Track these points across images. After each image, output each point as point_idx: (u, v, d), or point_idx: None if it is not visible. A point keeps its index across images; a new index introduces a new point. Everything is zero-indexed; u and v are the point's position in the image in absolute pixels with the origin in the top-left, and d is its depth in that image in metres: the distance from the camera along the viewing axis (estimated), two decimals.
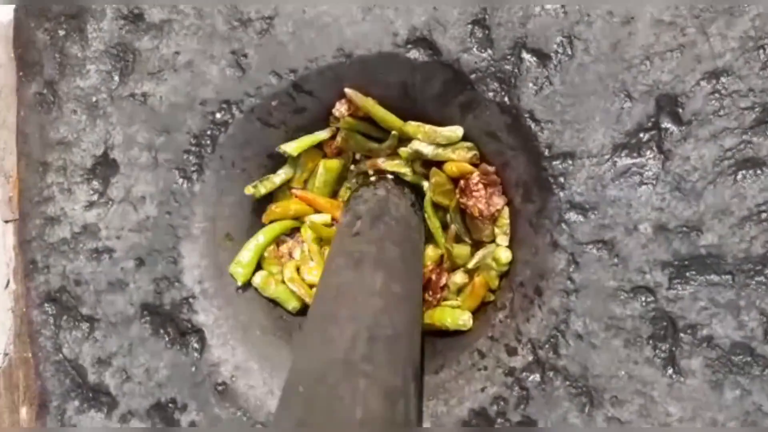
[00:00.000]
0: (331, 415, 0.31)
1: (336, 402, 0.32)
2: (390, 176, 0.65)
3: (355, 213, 0.56)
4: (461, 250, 0.63)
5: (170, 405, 0.65)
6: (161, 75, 0.65)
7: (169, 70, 0.64)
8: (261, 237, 0.68)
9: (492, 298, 0.63)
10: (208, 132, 0.64)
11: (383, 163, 0.65)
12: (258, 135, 0.64)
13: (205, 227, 0.65)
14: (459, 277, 0.64)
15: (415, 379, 0.38)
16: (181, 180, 0.65)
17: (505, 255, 0.59)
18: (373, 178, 0.64)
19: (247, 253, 0.67)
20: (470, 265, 0.63)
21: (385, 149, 0.65)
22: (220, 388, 0.63)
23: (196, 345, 0.65)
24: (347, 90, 0.60)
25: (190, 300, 0.65)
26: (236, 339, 0.65)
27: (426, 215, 0.64)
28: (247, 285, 0.68)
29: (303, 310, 0.70)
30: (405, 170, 0.65)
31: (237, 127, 0.63)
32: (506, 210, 0.60)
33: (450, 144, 0.60)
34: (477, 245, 0.64)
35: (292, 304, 0.69)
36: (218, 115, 0.63)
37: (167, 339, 0.65)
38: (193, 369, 0.64)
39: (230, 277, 0.67)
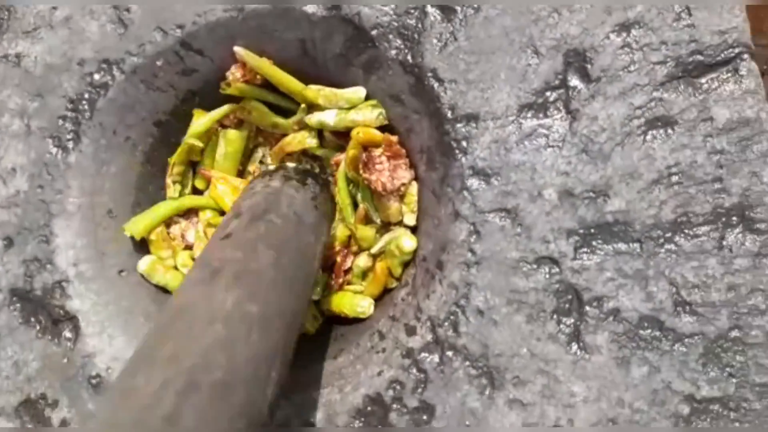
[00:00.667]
0: None
1: None
2: (291, 164, 0.60)
3: (236, 210, 0.49)
4: (366, 232, 0.59)
5: (41, 401, 0.60)
6: (37, 33, 0.60)
7: (46, 28, 0.60)
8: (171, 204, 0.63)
9: (395, 285, 0.59)
10: (86, 95, 0.59)
11: (288, 144, 0.61)
12: (142, 99, 0.60)
13: (81, 203, 0.60)
14: (363, 261, 0.60)
15: None
16: (55, 150, 0.59)
17: (408, 244, 0.56)
18: (271, 167, 0.59)
19: (151, 214, 0.62)
20: (373, 251, 0.59)
21: (291, 125, 0.61)
22: (94, 381, 0.58)
23: (69, 334, 0.59)
24: (237, 49, 0.56)
25: (64, 284, 0.59)
26: (115, 327, 0.60)
27: (338, 189, 0.60)
28: (133, 270, 0.63)
29: None
30: (313, 144, 0.61)
31: (118, 90, 0.59)
32: (414, 186, 0.56)
33: (353, 107, 0.56)
34: (386, 227, 0.60)
35: None
36: (97, 77, 0.58)
37: (38, 328, 0.60)
38: (66, 361, 0.59)
39: (111, 257, 0.61)
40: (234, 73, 0.59)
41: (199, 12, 0.56)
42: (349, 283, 0.61)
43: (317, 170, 0.63)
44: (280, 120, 0.62)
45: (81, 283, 0.60)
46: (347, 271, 0.61)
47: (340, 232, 0.62)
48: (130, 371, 0.32)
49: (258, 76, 0.59)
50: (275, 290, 0.40)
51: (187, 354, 0.31)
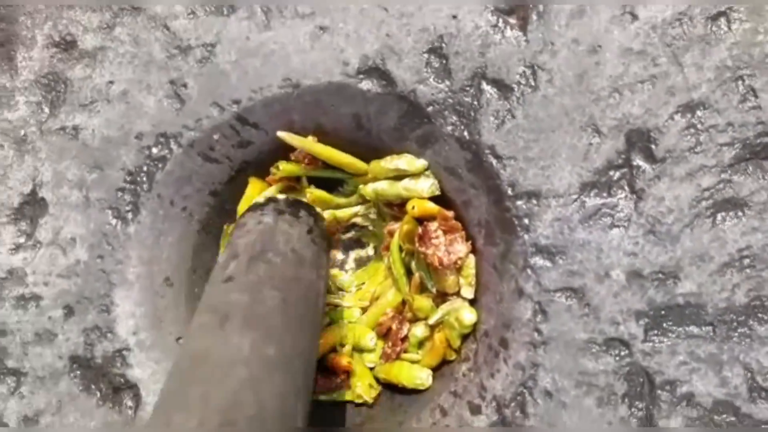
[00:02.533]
0: None
1: None
2: (281, 196, 0.56)
3: (232, 250, 0.46)
4: (422, 302, 0.58)
5: None
6: (94, 106, 0.60)
7: (103, 102, 0.60)
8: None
9: (453, 356, 0.58)
10: (144, 168, 0.58)
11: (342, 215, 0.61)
12: (199, 171, 0.59)
13: (140, 272, 0.60)
14: (420, 330, 0.59)
15: None
16: (114, 221, 0.59)
17: (468, 317, 0.54)
18: (260, 200, 0.54)
19: None
20: (431, 322, 0.58)
21: (352, 203, 0.62)
22: None
23: (130, 403, 0.59)
24: (280, 133, 0.56)
25: (124, 352, 0.59)
26: None
27: (392, 260, 0.59)
28: None
29: None
30: (368, 222, 0.61)
31: (176, 162, 0.58)
32: (472, 259, 0.55)
33: (407, 176, 0.56)
34: (442, 296, 0.59)
35: None
36: (155, 150, 0.58)
37: (99, 395, 0.59)
38: (127, 429, 0.58)
39: (169, 324, 0.61)
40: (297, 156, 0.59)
41: (254, 88, 0.56)
42: (405, 351, 0.61)
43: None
44: (341, 200, 0.62)
45: (141, 352, 0.60)
46: (403, 340, 0.61)
47: (393, 296, 0.62)
48: (162, 414, 0.32)
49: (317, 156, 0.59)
50: (287, 332, 0.40)
51: (217, 395, 0.32)
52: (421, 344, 0.60)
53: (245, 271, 0.43)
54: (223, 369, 0.34)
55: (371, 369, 0.61)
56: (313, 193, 0.60)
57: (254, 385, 0.33)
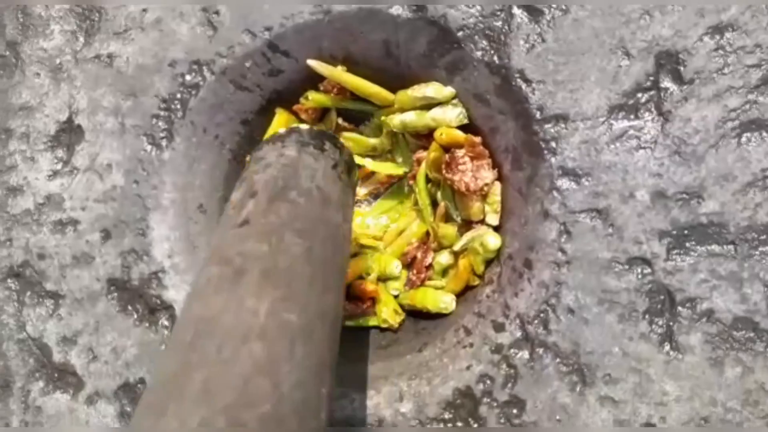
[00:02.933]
0: None
1: None
2: (304, 126, 0.50)
3: (248, 187, 0.40)
4: (447, 230, 0.60)
5: (139, 386, 0.62)
6: (128, 35, 0.61)
7: (137, 29, 0.61)
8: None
9: (477, 282, 0.60)
10: (178, 95, 0.60)
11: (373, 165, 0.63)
12: (231, 99, 0.61)
13: (175, 198, 0.62)
14: (445, 258, 0.61)
15: None
16: (149, 147, 0.61)
17: (492, 242, 0.56)
18: (281, 130, 0.49)
19: None
20: (456, 248, 0.60)
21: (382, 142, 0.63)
22: None
23: (166, 322, 0.62)
24: (310, 61, 0.57)
25: (160, 275, 0.62)
26: None
27: (417, 190, 0.61)
28: None
29: None
30: (399, 170, 0.62)
31: (208, 90, 0.60)
32: (497, 186, 0.57)
33: (435, 104, 0.57)
34: (467, 225, 0.60)
35: None
36: (188, 77, 0.60)
37: (136, 316, 0.62)
38: (163, 347, 0.61)
39: (203, 250, 0.63)
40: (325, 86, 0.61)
41: (286, 14, 0.57)
42: (429, 279, 0.63)
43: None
44: (374, 141, 0.64)
45: (176, 274, 0.62)
46: (428, 267, 0.63)
47: (418, 227, 0.64)
48: (154, 407, 0.26)
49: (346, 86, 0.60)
50: (312, 289, 0.33)
51: (224, 385, 0.26)
52: (445, 272, 0.62)
53: (264, 213, 0.37)
54: (233, 345, 0.27)
55: (396, 297, 0.63)
56: (347, 138, 0.62)
57: (270, 369, 0.27)
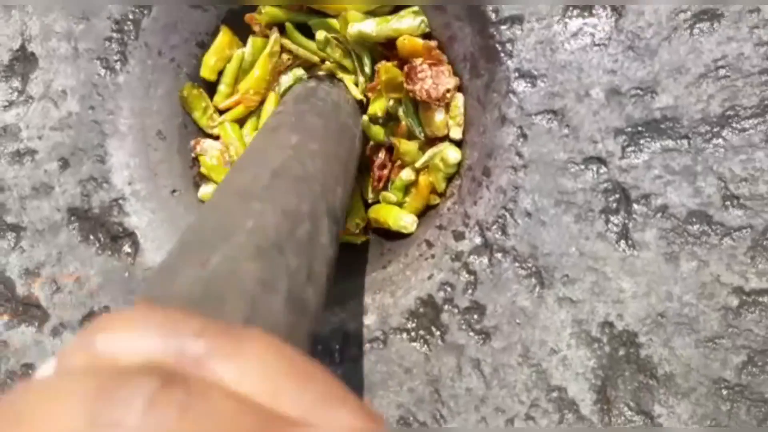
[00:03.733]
0: (216, 230, 0.29)
1: (224, 219, 0.31)
2: (322, 73, 0.63)
3: (281, 102, 0.56)
4: (409, 146, 0.61)
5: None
6: None
7: None
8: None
9: (437, 201, 0.61)
10: (130, 16, 0.60)
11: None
12: (184, 18, 0.61)
13: (132, 123, 0.63)
14: (406, 174, 0.62)
15: (330, 216, 0.38)
16: (103, 71, 0.62)
17: (452, 155, 0.57)
18: (305, 77, 0.63)
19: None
20: (417, 165, 0.61)
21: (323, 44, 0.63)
22: None
23: (128, 249, 0.63)
24: None
25: (121, 202, 0.63)
26: (173, 243, 0.63)
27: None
28: (185, 190, 0.66)
29: None
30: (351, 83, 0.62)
31: (160, 9, 0.61)
32: (460, 98, 0.58)
33: (394, 12, 0.57)
34: (431, 142, 0.61)
35: None
36: None
37: (98, 245, 0.63)
38: (127, 275, 0.63)
39: (164, 177, 0.64)
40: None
41: None
42: (388, 180, 0.63)
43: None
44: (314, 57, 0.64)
45: (137, 201, 0.63)
46: (383, 167, 0.63)
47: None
48: (227, 177, 0.39)
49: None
50: (328, 141, 0.47)
51: (269, 161, 0.38)
52: (407, 190, 0.62)
53: (291, 106, 0.52)
54: (273, 150, 0.41)
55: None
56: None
57: (299, 160, 0.40)
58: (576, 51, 0.49)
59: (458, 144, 0.59)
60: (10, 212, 0.65)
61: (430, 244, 0.56)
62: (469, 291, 0.52)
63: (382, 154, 0.62)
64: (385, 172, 0.63)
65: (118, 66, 0.62)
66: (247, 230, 0.29)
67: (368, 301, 0.56)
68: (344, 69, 0.62)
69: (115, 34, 0.61)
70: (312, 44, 0.62)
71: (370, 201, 0.65)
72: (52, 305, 0.65)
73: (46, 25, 0.63)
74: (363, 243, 0.64)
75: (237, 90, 0.66)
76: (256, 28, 0.62)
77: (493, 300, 0.51)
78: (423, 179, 0.61)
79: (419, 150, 0.61)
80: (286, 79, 0.64)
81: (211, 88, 0.67)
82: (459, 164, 0.58)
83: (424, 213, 0.62)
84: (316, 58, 0.63)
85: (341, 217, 0.43)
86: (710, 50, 0.47)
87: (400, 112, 0.61)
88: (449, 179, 0.60)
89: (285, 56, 0.64)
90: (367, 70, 0.61)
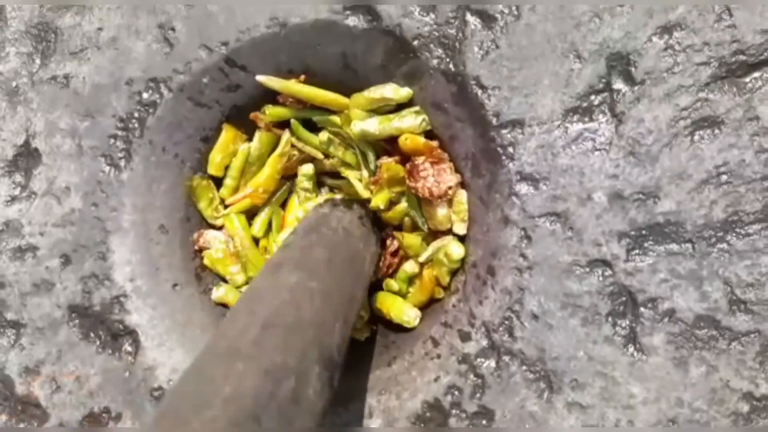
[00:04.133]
0: (193, 398, 0.30)
1: (204, 383, 0.31)
2: (338, 196, 0.65)
3: (292, 230, 0.57)
4: (412, 240, 0.61)
5: (104, 414, 0.63)
6: (84, 54, 0.63)
7: (93, 48, 0.63)
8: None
9: (442, 295, 0.61)
10: (136, 114, 0.62)
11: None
12: (189, 116, 0.63)
13: (135, 219, 0.64)
14: (410, 267, 0.62)
15: (322, 363, 0.39)
16: (107, 168, 0.63)
17: (456, 251, 0.58)
18: (320, 200, 0.64)
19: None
20: (421, 259, 0.61)
21: (326, 142, 0.64)
22: (156, 393, 0.61)
23: (129, 348, 0.63)
24: (259, 77, 0.59)
25: (122, 299, 0.63)
26: (174, 340, 0.63)
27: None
28: (186, 283, 0.66)
29: None
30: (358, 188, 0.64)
31: (166, 108, 0.62)
32: (463, 194, 0.59)
33: (396, 110, 0.59)
34: (434, 235, 0.62)
35: None
36: (145, 95, 0.61)
37: (98, 343, 0.63)
38: (127, 374, 0.62)
39: (165, 271, 0.65)
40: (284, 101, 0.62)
41: (242, 28, 0.59)
42: (397, 268, 0.64)
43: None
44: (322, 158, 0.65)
45: (138, 298, 0.64)
46: (395, 254, 0.64)
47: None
48: (220, 327, 0.40)
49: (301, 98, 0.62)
50: (330, 275, 0.47)
51: (261, 310, 0.39)
52: (411, 282, 0.63)
53: (299, 239, 0.52)
54: (270, 295, 0.41)
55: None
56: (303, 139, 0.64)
57: (294, 305, 0.40)
58: (577, 155, 0.50)
59: (461, 239, 0.60)
60: (10, 309, 0.65)
61: (435, 342, 0.56)
62: (477, 395, 0.52)
63: (396, 242, 0.63)
64: (396, 260, 0.64)
65: (122, 163, 0.63)
66: (223, 398, 0.30)
67: (373, 402, 0.56)
68: (348, 165, 0.64)
69: (120, 132, 0.63)
70: (316, 139, 0.64)
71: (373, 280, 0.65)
72: (51, 405, 0.64)
73: (50, 122, 0.64)
74: (367, 337, 0.64)
75: (243, 183, 0.67)
76: (261, 125, 0.64)
77: (501, 405, 0.51)
78: (427, 272, 0.61)
79: (423, 242, 0.62)
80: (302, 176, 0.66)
81: (216, 180, 0.68)
82: (463, 260, 0.59)
83: (428, 305, 0.63)
84: (320, 155, 0.64)
85: (339, 357, 0.43)
86: (711, 157, 0.48)
87: (403, 202, 0.62)
88: (453, 273, 0.61)
89: (292, 151, 0.65)
90: (372, 165, 0.62)
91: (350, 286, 0.50)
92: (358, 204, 0.62)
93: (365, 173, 0.63)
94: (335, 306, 0.45)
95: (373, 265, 0.59)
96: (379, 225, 0.63)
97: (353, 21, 0.56)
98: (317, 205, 0.62)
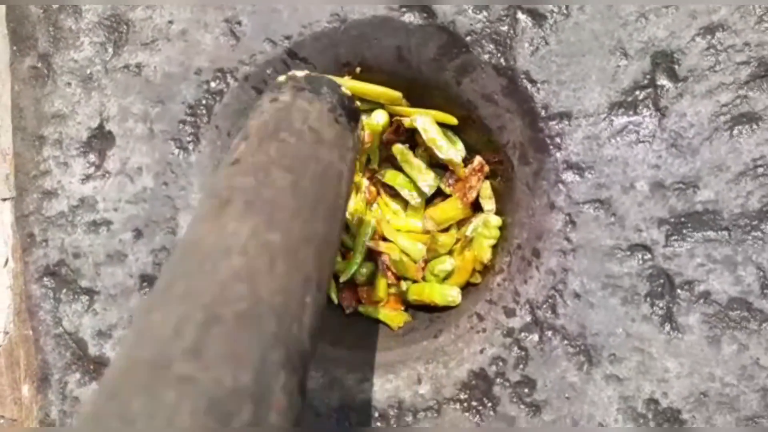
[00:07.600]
0: None
1: (124, 427, 0.22)
2: (301, 73, 0.47)
3: (243, 133, 0.41)
4: (444, 239, 0.63)
5: None
6: (155, 45, 0.65)
7: (163, 40, 0.65)
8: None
9: (479, 280, 0.63)
10: (203, 101, 0.64)
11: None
12: (252, 104, 0.64)
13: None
14: (449, 264, 0.64)
15: (289, 365, 0.27)
16: (177, 150, 0.65)
17: (494, 219, 0.60)
18: (281, 78, 0.47)
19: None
20: (468, 233, 0.63)
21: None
22: None
23: None
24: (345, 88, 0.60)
25: None
26: None
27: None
28: None
29: None
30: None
31: (232, 96, 0.63)
32: (487, 184, 0.61)
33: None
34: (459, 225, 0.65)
35: None
36: (213, 84, 0.63)
37: None
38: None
39: None
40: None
41: (304, 23, 0.60)
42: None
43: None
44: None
45: None
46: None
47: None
48: (143, 312, 0.28)
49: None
50: (297, 216, 0.34)
51: (203, 289, 0.27)
52: (445, 279, 0.65)
53: (254, 153, 0.38)
54: (212, 259, 0.29)
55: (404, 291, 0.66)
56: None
57: (250, 276, 0.28)
58: (622, 146, 0.51)
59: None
60: (84, 277, 0.68)
61: (480, 318, 0.58)
62: (520, 366, 0.54)
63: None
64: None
65: (190, 146, 0.65)
66: None
67: (421, 370, 0.58)
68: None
69: (188, 118, 0.65)
70: None
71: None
72: None
73: (123, 107, 0.66)
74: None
75: None
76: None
77: (543, 375, 0.53)
78: (465, 256, 0.63)
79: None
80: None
81: None
82: (505, 239, 0.60)
83: (464, 289, 0.65)
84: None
85: (311, 344, 0.30)
86: (749, 150, 0.49)
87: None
88: (494, 248, 0.62)
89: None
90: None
91: (324, 226, 0.36)
92: (329, 87, 0.45)
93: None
94: (305, 267, 0.32)
95: (351, 179, 0.44)
96: (353, 115, 0.47)
97: (409, 18, 0.57)
98: (276, 86, 0.45)
